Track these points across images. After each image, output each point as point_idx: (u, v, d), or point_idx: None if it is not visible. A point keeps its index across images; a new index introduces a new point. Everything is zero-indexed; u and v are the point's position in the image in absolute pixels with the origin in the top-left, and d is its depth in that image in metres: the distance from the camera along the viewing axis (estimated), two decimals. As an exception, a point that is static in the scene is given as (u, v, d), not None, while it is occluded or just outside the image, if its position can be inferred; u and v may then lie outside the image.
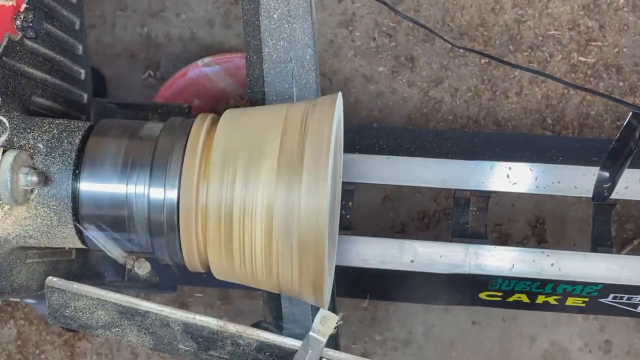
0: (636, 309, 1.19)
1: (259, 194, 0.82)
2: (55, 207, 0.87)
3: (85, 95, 1.09)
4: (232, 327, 0.82)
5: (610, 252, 1.17)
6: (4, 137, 0.84)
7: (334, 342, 1.08)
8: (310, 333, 0.78)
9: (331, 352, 0.81)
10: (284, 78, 0.97)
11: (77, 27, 1.05)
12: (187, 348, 0.82)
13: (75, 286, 0.82)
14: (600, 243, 1.18)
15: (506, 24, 1.57)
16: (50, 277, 0.83)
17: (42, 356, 1.62)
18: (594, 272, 1.14)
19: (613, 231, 1.21)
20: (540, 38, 1.56)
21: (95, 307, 0.83)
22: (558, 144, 1.22)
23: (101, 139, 0.90)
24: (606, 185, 1.05)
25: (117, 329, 0.84)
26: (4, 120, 0.85)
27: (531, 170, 1.19)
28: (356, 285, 1.24)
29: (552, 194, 1.20)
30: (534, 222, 1.55)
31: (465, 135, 1.24)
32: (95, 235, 0.88)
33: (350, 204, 1.20)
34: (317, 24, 1.04)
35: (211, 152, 0.86)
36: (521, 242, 1.54)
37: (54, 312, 0.83)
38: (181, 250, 0.89)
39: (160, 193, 0.87)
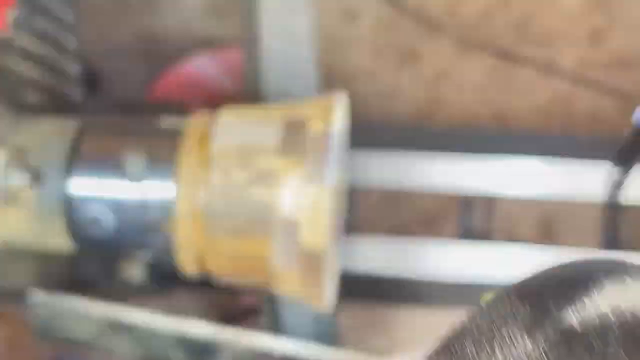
0: None
1: (258, 193, 0.81)
2: (47, 207, 0.86)
3: (79, 94, 1.09)
4: (227, 332, 0.80)
5: (618, 253, 1.16)
6: None
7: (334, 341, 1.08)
8: None
9: None
10: (283, 76, 0.97)
11: (69, 23, 1.04)
12: (181, 356, 0.81)
13: (60, 299, 0.81)
14: (608, 244, 1.18)
15: (513, 19, 1.55)
16: (33, 292, 0.82)
17: (40, 357, 1.61)
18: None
19: (621, 232, 1.20)
20: (548, 33, 1.54)
21: (82, 320, 0.81)
22: (566, 142, 1.21)
23: (95, 137, 0.90)
24: (615, 186, 1.04)
25: (106, 341, 0.83)
26: None
27: (537, 169, 1.17)
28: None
29: (559, 194, 1.19)
30: (539, 222, 1.53)
31: (470, 133, 1.24)
32: None
33: (350, 204, 1.19)
34: (317, 21, 1.03)
35: (209, 151, 0.85)
36: (526, 243, 1.52)
37: (39, 327, 0.83)
38: (179, 250, 0.87)
39: (157, 193, 0.86)
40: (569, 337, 0.29)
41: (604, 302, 0.29)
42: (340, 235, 1.08)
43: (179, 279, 1.16)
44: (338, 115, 0.84)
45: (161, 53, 1.67)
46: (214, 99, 1.64)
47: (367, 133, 1.23)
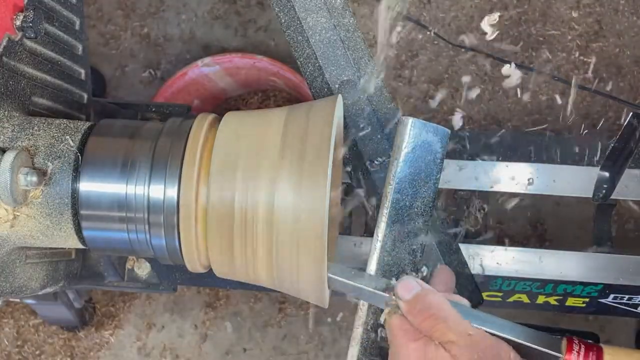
0: (636, 309, 1.19)
1: (259, 193, 0.82)
2: (55, 207, 0.86)
3: (85, 95, 1.09)
4: None
5: (611, 252, 1.17)
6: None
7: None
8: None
9: None
10: (335, 45, 0.96)
11: (77, 27, 1.04)
12: None
13: None
14: (601, 243, 1.18)
15: (507, 24, 1.57)
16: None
17: (42, 356, 1.62)
18: (594, 272, 1.14)
19: (613, 231, 1.21)
20: (540, 38, 1.56)
21: None
22: (558, 144, 1.22)
23: (101, 139, 0.90)
24: (606, 186, 1.05)
25: None
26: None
27: (531, 170, 1.18)
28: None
29: (552, 194, 1.20)
30: (534, 222, 1.54)
31: (465, 135, 1.23)
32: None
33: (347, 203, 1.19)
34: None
35: (212, 153, 0.86)
36: (521, 242, 1.54)
37: None
38: (181, 250, 0.88)
39: (160, 192, 0.87)
40: None
41: None
42: (337, 233, 1.09)
43: (183, 274, 1.17)
44: (336, 118, 0.84)
45: (166, 57, 1.68)
46: (218, 102, 1.66)
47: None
